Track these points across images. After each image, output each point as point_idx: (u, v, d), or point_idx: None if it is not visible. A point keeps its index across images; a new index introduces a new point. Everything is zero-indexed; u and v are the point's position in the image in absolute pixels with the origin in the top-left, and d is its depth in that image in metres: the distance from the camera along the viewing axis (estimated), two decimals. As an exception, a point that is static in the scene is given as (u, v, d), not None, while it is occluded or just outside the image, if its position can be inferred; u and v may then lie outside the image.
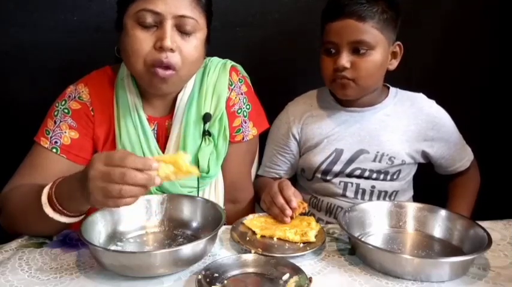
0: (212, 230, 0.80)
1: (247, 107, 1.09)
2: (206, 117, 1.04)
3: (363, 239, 0.86)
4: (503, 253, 0.85)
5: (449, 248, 0.86)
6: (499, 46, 1.52)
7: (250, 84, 1.13)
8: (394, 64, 1.12)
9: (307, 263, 0.81)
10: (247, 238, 0.88)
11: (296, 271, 0.75)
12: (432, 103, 1.18)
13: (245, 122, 1.09)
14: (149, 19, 0.90)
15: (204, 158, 1.03)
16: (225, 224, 0.87)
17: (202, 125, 1.04)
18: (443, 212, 0.91)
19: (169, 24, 0.90)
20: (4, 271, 0.76)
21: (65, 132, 0.98)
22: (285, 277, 0.73)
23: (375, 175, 1.14)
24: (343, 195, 1.16)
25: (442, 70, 1.51)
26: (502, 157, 1.54)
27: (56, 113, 1.00)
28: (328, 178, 1.16)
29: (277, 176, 1.24)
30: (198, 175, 0.85)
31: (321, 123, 1.18)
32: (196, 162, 1.03)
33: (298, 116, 1.20)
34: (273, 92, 1.27)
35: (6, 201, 0.90)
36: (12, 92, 1.38)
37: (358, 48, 1.04)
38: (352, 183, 1.15)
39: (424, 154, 1.17)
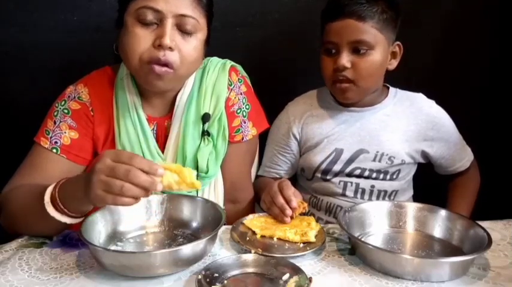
0: (212, 230, 0.80)
1: (247, 107, 1.09)
2: (205, 117, 1.04)
3: (363, 239, 0.86)
4: (503, 253, 0.85)
5: (449, 248, 0.86)
6: (499, 46, 1.52)
7: (250, 84, 1.13)
8: (393, 64, 1.13)
9: (307, 263, 0.81)
10: (247, 238, 0.88)
11: (296, 271, 0.75)
12: (432, 103, 1.19)
13: (244, 122, 1.09)
14: (150, 17, 0.90)
15: (203, 158, 1.03)
16: (225, 224, 0.87)
17: (201, 125, 1.04)
18: (443, 212, 0.91)
19: (169, 23, 0.90)
20: (4, 271, 0.76)
21: (65, 132, 0.98)
22: (285, 277, 0.73)
23: (374, 175, 1.14)
24: (343, 194, 1.16)
25: (442, 70, 1.51)
26: (502, 157, 1.54)
27: (55, 113, 1.00)
28: (328, 177, 1.17)
29: (277, 176, 1.24)
30: (199, 189, 0.86)
31: (321, 123, 1.18)
32: (196, 162, 1.03)
33: (299, 115, 1.21)
34: (273, 92, 1.27)
35: (6, 201, 0.90)
36: (12, 92, 1.38)
37: (358, 48, 1.04)
38: (351, 182, 1.16)
39: (424, 154, 1.18)
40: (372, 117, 1.16)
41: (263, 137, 1.23)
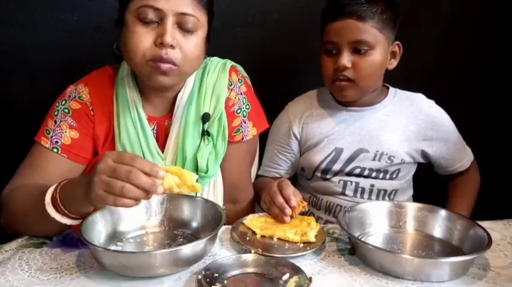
0: (212, 230, 0.80)
1: (247, 107, 1.09)
2: (205, 117, 1.04)
3: (363, 239, 0.86)
4: (503, 253, 0.85)
5: (449, 248, 0.86)
6: (499, 46, 1.52)
7: (250, 84, 1.14)
8: (393, 64, 1.13)
9: (307, 263, 0.81)
10: (247, 238, 0.88)
11: (296, 271, 0.75)
12: (431, 103, 1.19)
13: (244, 122, 1.09)
14: (150, 15, 0.90)
15: (202, 158, 1.03)
16: (225, 224, 0.87)
17: (201, 125, 1.04)
18: (443, 212, 0.91)
19: (170, 21, 0.90)
20: (4, 271, 0.76)
21: (66, 132, 0.98)
22: (285, 277, 0.73)
23: (374, 174, 1.15)
24: (343, 193, 1.16)
25: (441, 70, 1.51)
26: (502, 157, 1.54)
27: (56, 113, 1.00)
28: (327, 176, 1.17)
29: (277, 175, 1.25)
30: (200, 192, 0.85)
31: (321, 123, 1.18)
32: (195, 162, 1.03)
33: (299, 115, 1.21)
34: (273, 92, 1.27)
35: (7, 201, 0.90)
36: (12, 92, 1.38)
37: (358, 48, 1.04)
38: (351, 182, 1.16)
39: (424, 154, 1.18)
40: (371, 117, 1.16)
41: (263, 137, 1.23)
